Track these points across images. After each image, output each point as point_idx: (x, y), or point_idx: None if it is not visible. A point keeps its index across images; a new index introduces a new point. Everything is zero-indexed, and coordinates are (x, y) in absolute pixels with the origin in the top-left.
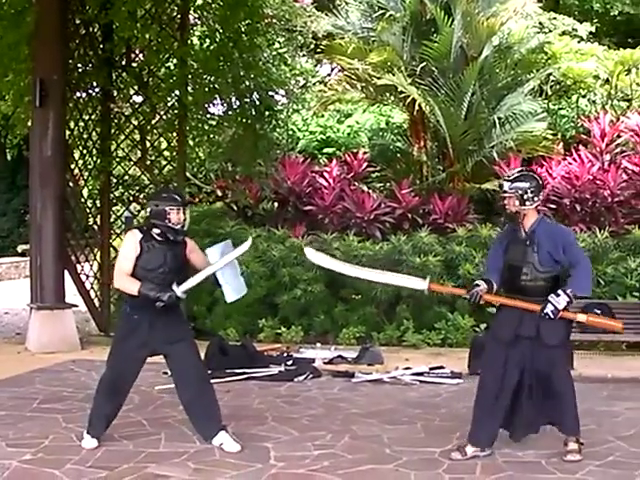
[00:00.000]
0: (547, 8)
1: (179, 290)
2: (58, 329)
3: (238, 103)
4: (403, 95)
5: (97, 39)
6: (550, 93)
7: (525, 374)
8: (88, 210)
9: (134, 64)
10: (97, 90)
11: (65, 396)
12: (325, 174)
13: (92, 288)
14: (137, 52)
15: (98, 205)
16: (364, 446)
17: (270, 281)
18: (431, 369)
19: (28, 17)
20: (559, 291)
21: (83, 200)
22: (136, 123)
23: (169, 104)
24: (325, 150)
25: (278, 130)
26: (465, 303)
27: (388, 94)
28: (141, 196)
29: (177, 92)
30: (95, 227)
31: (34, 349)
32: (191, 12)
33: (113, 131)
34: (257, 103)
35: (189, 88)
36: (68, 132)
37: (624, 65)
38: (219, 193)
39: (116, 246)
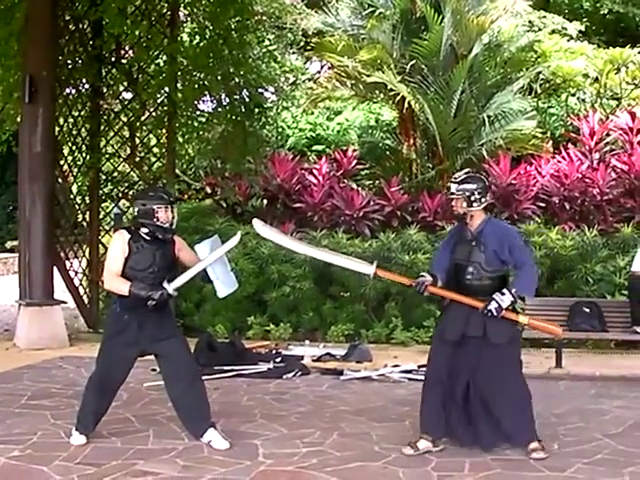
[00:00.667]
0: (537, 7)
1: (170, 287)
2: (47, 326)
3: (228, 100)
4: (393, 93)
5: (87, 35)
6: (540, 91)
7: (475, 373)
8: (77, 206)
9: (124, 61)
10: (87, 86)
11: (53, 393)
12: (314, 171)
13: (81, 285)
14: (127, 49)
15: (87, 201)
16: (352, 443)
17: (259, 278)
18: (419, 367)
19: (18, 13)
20: (504, 290)
21: (72, 196)
22: (125, 120)
23: (159, 101)
24: (314, 147)
25: (268, 127)
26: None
27: (378, 92)
28: (130, 193)
29: (167, 89)
30: (84, 223)
31: (22, 345)
32: (181, 9)
33: (102, 127)
34: (247, 100)
35: (179, 85)
36: (57, 128)
37: (613, 64)
38: (208, 190)
39: (105, 243)
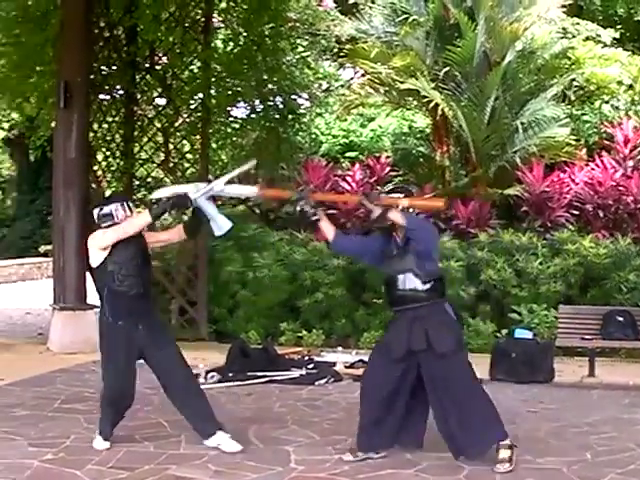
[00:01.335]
0: (570, 13)
1: (194, 193)
2: (80, 330)
3: (261, 106)
4: (426, 99)
5: (121, 42)
6: (573, 98)
7: (427, 385)
8: None
9: (158, 67)
10: (121, 92)
11: (86, 397)
12: (348, 178)
13: None
14: (161, 55)
15: None
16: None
17: (292, 284)
18: None
19: (53, 19)
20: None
21: None
22: (159, 126)
23: (192, 107)
24: (348, 154)
25: (301, 134)
26: (487, 309)
27: (411, 98)
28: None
29: (200, 95)
30: None
31: (56, 349)
32: (215, 15)
33: (136, 133)
34: (280, 106)
35: (212, 91)
36: (92, 134)
37: None
38: None
39: None
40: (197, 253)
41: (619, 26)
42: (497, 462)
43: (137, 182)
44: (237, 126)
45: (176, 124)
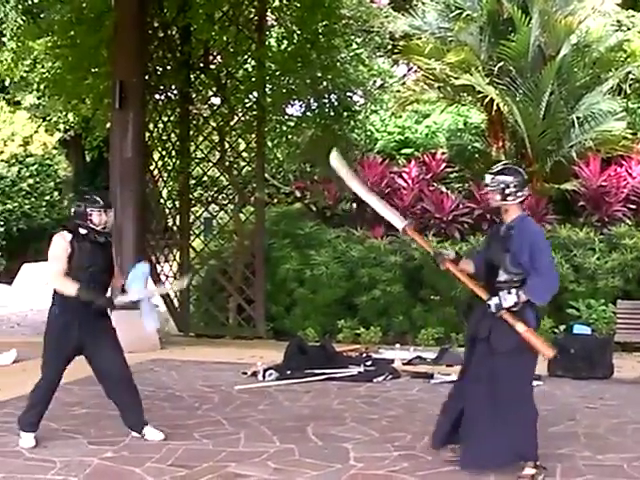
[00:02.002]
0: (625, 6)
1: (117, 299)
2: (138, 329)
3: (316, 104)
4: (481, 95)
5: (175, 42)
6: (629, 92)
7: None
8: (167, 211)
9: (212, 66)
10: (175, 92)
11: (145, 395)
12: (404, 175)
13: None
14: (215, 54)
15: (177, 206)
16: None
17: (349, 282)
18: None
19: (107, 21)
20: (512, 290)
21: (162, 201)
22: (214, 124)
23: (247, 105)
24: (403, 151)
25: (356, 131)
26: (545, 306)
27: (466, 94)
28: (220, 197)
29: (255, 93)
30: (174, 228)
31: None
32: (268, 14)
33: (192, 132)
34: (335, 104)
35: (267, 89)
36: (147, 134)
37: None
38: (298, 194)
39: (195, 247)
40: (254, 252)
41: None
42: (519, 476)
43: (193, 181)
44: (292, 124)
45: (231, 123)
